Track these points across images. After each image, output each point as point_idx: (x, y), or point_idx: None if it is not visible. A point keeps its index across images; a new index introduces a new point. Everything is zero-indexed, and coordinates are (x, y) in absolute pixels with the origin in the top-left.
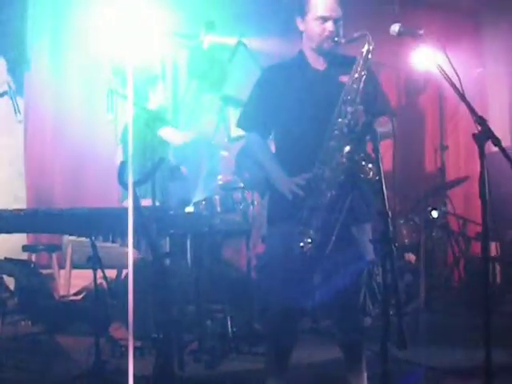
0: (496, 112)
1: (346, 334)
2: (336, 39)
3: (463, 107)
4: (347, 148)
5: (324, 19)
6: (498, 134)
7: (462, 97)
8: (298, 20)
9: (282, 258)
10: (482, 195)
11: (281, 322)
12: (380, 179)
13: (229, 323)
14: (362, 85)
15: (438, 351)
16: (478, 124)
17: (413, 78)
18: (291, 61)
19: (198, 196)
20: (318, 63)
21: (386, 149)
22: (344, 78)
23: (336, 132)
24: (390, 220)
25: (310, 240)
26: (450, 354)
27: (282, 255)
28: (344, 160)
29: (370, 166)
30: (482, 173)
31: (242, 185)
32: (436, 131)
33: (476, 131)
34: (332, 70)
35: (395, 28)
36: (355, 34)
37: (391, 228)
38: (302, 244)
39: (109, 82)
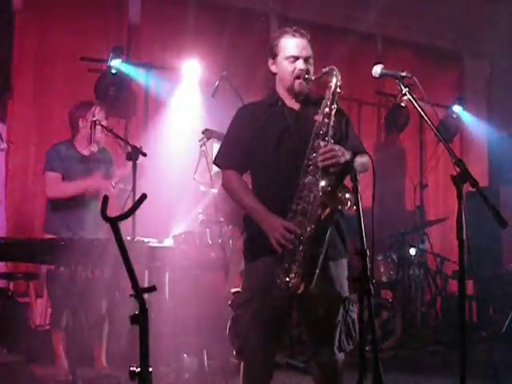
0: (475, 148)
1: (322, 370)
2: (306, 77)
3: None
4: (322, 182)
5: (294, 58)
6: (476, 171)
7: (440, 138)
8: (270, 62)
9: (261, 294)
10: (459, 236)
11: (257, 357)
12: (359, 216)
13: (205, 356)
14: (332, 119)
15: None
16: (457, 166)
17: (395, 116)
18: (265, 100)
19: (177, 229)
20: (292, 102)
21: (365, 186)
22: (318, 117)
23: (311, 167)
24: (367, 258)
25: (291, 276)
26: None
27: (262, 291)
28: (320, 194)
29: (348, 195)
30: (459, 214)
31: (221, 219)
32: (416, 169)
33: (455, 171)
34: (306, 109)
35: (377, 69)
36: (323, 70)
37: (369, 266)
38: (283, 280)
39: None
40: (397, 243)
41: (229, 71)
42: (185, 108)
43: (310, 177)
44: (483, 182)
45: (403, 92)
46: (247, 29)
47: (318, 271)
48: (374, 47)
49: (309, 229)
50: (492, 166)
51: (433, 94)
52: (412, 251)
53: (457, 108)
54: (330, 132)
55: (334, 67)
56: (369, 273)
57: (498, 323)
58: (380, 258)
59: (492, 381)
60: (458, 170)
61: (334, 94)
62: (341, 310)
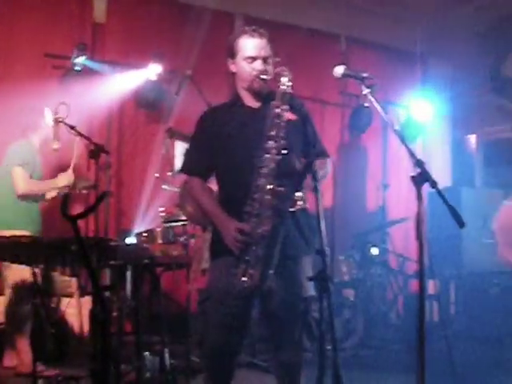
0: (438, 149)
1: (283, 369)
2: (263, 77)
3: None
4: (272, 185)
5: (252, 59)
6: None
7: (401, 139)
8: (229, 62)
9: (224, 292)
10: (418, 236)
11: (219, 357)
12: (318, 217)
13: (167, 355)
14: (284, 119)
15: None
16: (417, 166)
17: (358, 116)
18: (227, 102)
19: (139, 227)
20: (252, 102)
21: (327, 187)
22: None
23: (263, 169)
24: (327, 258)
25: (248, 275)
26: None
27: (224, 290)
28: (270, 196)
29: (298, 194)
30: (418, 214)
31: (183, 217)
32: (378, 169)
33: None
34: (266, 108)
35: (339, 70)
36: (276, 70)
37: (328, 266)
38: (241, 279)
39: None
40: (359, 243)
41: (193, 70)
42: (149, 106)
43: (262, 179)
44: (445, 183)
45: (364, 93)
46: (212, 27)
47: (272, 271)
48: (338, 47)
49: (260, 230)
50: (454, 166)
51: (396, 95)
52: (374, 251)
53: (419, 108)
54: (281, 133)
55: (285, 68)
56: (328, 272)
57: (459, 322)
58: (342, 257)
59: (451, 379)
60: (417, 170)
61: (283, 94)
62: (301, 309)
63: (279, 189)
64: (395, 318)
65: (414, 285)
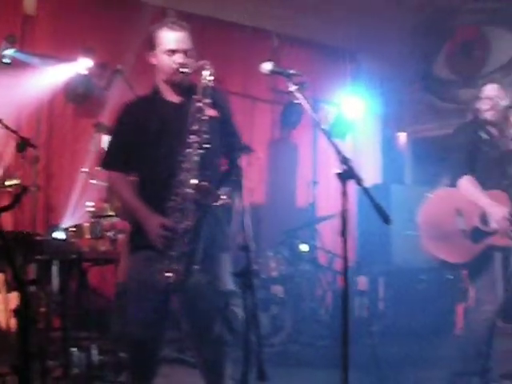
0: (368, 146)
1: (207, 366)
2: (184, 70)
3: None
4: (195, 179)
5: (173, 52)
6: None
7: (328, 136)
8: (150, 54)
9: (144, 286)
10: (343, 232)
11: (139, 352)
12: (242, 212)
13: (94, 351)
14: (205, 113)
15: (301, 382)
16: (342, 163)
17: (289, 112)
18: (147, 95)
19: (68, 222)
20: (172, 96)
21: (258, 183)
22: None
23: (185, 164)
24: (251, 254)
25: (173, 271)
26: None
27: (144, 284)
28: (193, 190)
29: (221, 190)
30: (343, 210)
31: (111, 212)
32: (308, 166)
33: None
34: (186, 102)
35: (267, 66)
36: (197, 64)
37: (252, 262)
38: (165, 274)
39: None
40: (288, 239)
41: (124, 65)
42: (79, 100)
43: (185, 173)
44: (375, 180)
45: (291, 90)
46: (144, 22)
47: (195, 266)
48: (269, 44)
49: (184, 225)
50: (384, 163)
51: (328, 92)
52: (303, 247)
53: (350, 105)
54: (203, 128)
55: (207, 61)
56: (252, 268)
57: (387, 318)
58: (271, 253)
59: (375, 375)
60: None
61: (205, 88)
62: (221, 305)
63: (202, 183)
64: (324, 314)
65: (342, 281)
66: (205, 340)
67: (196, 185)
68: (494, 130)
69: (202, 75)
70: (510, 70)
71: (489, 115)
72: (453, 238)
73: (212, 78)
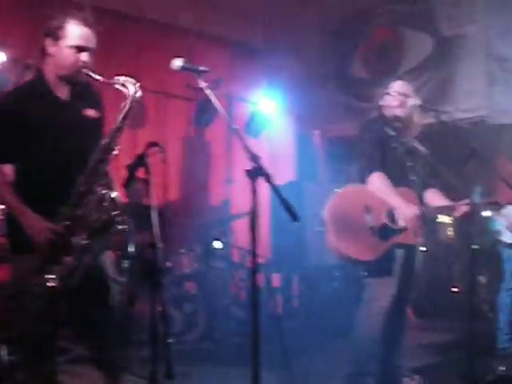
0: (283, 144)
1: (104, 366)
2: (86, 70)
3: (250, 140)
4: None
5: (79, 49)
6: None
7: (237, 134)
8: (48, 41)
9: (29, 290)
10: (252, 229)
11: (30, 352)
12: (149, 210)
13: (3, 352)
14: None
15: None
16: (251, 160)
17: (203, 109)
18: (29, 85)
19: None
20: (61, 91)
21: (172, 180)
22: (88, 112)
23: (93, 177)
24: (158, 251)
25: (51, 277)
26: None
27: (29, 288)
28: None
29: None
30: (253, 207)
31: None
32: (223, 163)
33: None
34: (75, 101)
35: (177, 63)
36: (119, 79)
37: (160, 259)
38: (43, 280)
39: None
40: (201, 236)
41: (35, 60)
42: None
43: (81, 177)
44: (289, 177)
45: (201, 86)
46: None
47: (82, 270)
48: (186, 41)
49: (83, 236)
50: (299, 161)
51: (244, 90)
52: (217, 244)
53: (265, 104)
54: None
55: (133, 79)
56: (160, 266)
57: (301, 315)
58: (184, 250)
59: (285, 370)
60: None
61: (130, 107)
62: (109, 304)
63: (98, 189)
64: (238, 311)
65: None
66: (97, 343)
67: (91, 191)
68: (400, 127)
69: (128, 93)
70: (423, 70)
71: (397, 111)
72: (361, 235)
73: (138, 96)
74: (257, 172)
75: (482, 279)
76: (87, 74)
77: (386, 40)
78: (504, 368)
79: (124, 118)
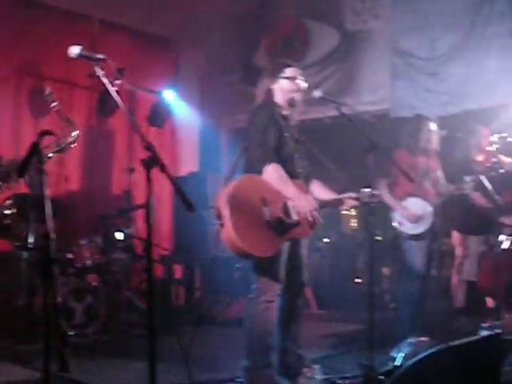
0: (186, 134)
1: None
2: None
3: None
4: None
5: None
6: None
7: (133, 123)
8: None
9: None
10: (147, 218)
11: None
12: (43, 200)
13: None
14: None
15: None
16: (146, 150)
17: (105, 99)
18: None
19: None
20: None
21: (74, 169)
22: None
23: None
24: (51, 242)
25: None
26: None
27: None
28: None
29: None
30: (148, 197)
31: None
32: (125, 153)
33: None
34: None
35: (74, 50)
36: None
37: (53, 250)
38: None
39: None
40: (103, 227)
41: None
42: None
43: None
44: (193, 168)
45: (97, 74)
46: None
47: None
48: (90, 29)
49: None
50: (202, 152)
51: (148, 80)
52: (118, 235)
53: (169, 94)
54: None
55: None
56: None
57: (204, 307)
58: (84, 242)
59: (181, 363)
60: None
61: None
62: None
63: None
64: (140, 303)
65: (158, 270)
66: None
67: None
68: (289, 115)
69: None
70: (328, 63)
71: (294, 95)
72: (258, 229)
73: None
74: (152, 161)
75: (386, 271)
76: None
77: (291, 31)
78: (403, 354)
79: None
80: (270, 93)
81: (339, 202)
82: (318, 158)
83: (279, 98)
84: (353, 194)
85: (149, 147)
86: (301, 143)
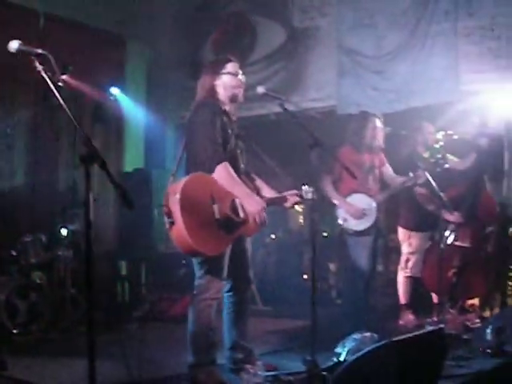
0: (132, 130)
1: None
2: None
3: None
4: None
5: None
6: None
7: (71, 117)
8: None
9: None
10: (85, 214)
11: None
12: None
13: None
14: None
15: (53, 369)
16: (84, 146)
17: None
18: None
19: None
20: None
21: (18, 164)
22: None
23: None
24: None
25: None
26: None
27: None
28: None
29: None
30: (86, 193)
31: None
32: (70, 147)
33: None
34: None
35: (13, 45)
36: None
37: None
38: None
39: None
40: (47, 224)
41: None
42: None
43: None
44: (139, 164)
45: (38, 70)
46: None
47: None
48: (35, 24)
49: None
50: (147, 148)
51: (94, 76)
52: (63, 232)
53: (115, 90)
54: None
55: None
56: None
57: (149, 303)
58: (29, 238)
59: (121, 360)
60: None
61: None
62: None
63: None
64: (84, 300)
65: (103, 266)
66: None
67: None
68: (230, 112)
69: None
70: (275, 60)
71: (236, 91)
72: (208, 228)
73: None
74: (90, 157)
75: (332, 267)
76: None
77: (238, 27)
78: (347, 350)
79: None
80: (212, 89)
81: (283, 200)
82: (258, 155)
83: (222, 94)
84: (296, 192)
85: (87, 143)
86: (241, 139)
